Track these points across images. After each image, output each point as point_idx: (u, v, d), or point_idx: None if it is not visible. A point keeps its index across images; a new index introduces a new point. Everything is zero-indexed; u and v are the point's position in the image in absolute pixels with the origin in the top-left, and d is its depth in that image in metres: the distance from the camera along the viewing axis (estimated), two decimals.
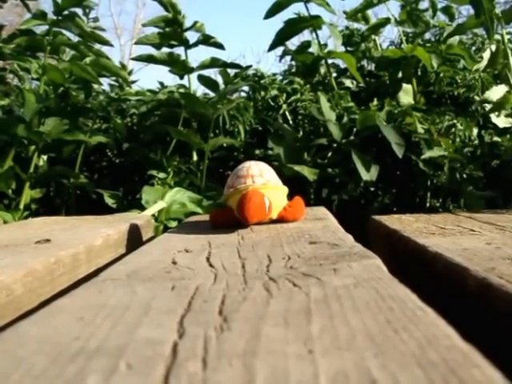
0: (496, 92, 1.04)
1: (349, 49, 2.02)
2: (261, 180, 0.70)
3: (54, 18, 1.55)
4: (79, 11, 1.79)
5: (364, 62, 2.11)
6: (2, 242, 0.65)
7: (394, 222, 0.78)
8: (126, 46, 10.97)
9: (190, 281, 0.41)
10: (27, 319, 0.33)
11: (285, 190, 0.75)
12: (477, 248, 0.53)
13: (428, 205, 1.53)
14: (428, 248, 0.55)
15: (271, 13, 1.74)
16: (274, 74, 2.16)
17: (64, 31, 1.61)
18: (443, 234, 0.63)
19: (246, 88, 1.92)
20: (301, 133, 1.67)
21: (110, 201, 1.46)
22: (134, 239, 0.81)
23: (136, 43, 1.79)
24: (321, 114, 1.46)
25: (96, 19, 1.91)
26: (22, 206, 1.44)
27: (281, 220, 0.72)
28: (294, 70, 2.09)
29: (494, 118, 1.08)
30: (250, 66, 2.05)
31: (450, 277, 0.48)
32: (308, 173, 1.34)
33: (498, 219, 0.74)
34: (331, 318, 0.30)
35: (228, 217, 0.72)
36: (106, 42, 1.84)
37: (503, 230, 0.64)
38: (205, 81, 1.47)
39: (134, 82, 2.47)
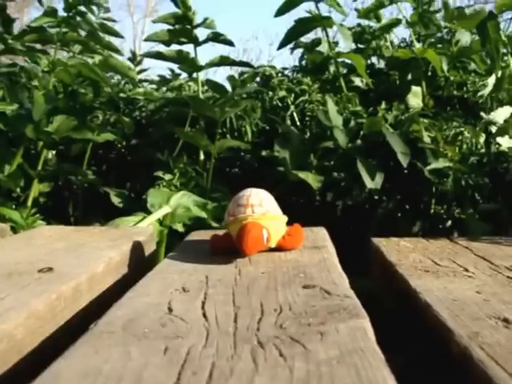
0: (501, 113, 1.03)
1: (360, 46, 2.01)
2: (260, 210, 0.72)
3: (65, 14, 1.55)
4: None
5: (374, 60, 2.09)
6: (5, 267, 0.67)
7: (392, 250, 0.79)
8: (138, 23, 10.89)
9: (182, 340, 0.43)
10: None
11: (284, 218, 0.76)
12: (466, 299, 0.54)
13: (432, 211, 1.53)
14: (419, 295, 0.56)
15: (281, 11, 1.72)
16: (284, 69, 2.16)
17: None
18: (437, 274, 0.64)
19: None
20: (308, 133, 1.67)
21: (116, 200, 1.48)
22: (137, 257, 0.83)
23: (145, 40, 1.79)
24: (327, 119, 1.46)
25: (107, 10, 1.91)
26: (29, 203, 1.46)
27: (279, 248, 0.74)
28: (304, 64, 2.08)
29: (498, 137, 1.07)
30: (259, 67, 2.05)
31: (437, 333, 0.49)
32: (312, 180, 1.34)
33: (494, 252, 0.75)
34: None
35: (227, 244, 0.73)
36: (116, 34, 1.84)
37: (497, 270, 0.65)
38: (212, 86, 1.47)
39: (144, 70, 2.46)
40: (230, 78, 1.42)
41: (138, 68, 2.37)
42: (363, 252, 1.15)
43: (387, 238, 0.89)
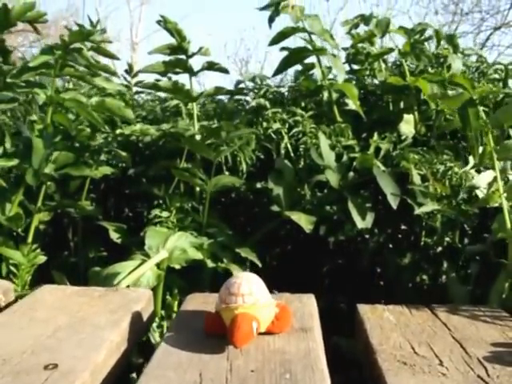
0: (483, 178, 1.07)
1: (353, 67, 2.04)
2: (250, 299, 0.76)
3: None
4: (85, 20, 1.84)
5: (368, 79, 2.12)
6: (13, 359, 0.71)
7: (375, 326, 0.84)
8: (135, 11, 10.76)
9: None
10: None
11: (273, 303, 0.81)
12: None
13: (422, 243, 1.58)
14: None
15: (275, 41, 1.74)
16: (279, 87, 2.18)
17: None
18: (413, 369, 0.69)
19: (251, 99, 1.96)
20: (302, 163, 1.71)
21: (114, 235, 1.52)
22: (136, 330, 0.88)
23: (141, 72, 1.82)
24: (320, 156, 1.50)
25: (103, 31, 1.93)
26: (30, 239, 1.50)
27: (269, 332, 0.79)
28: (298, 81, 2.10)
29: (480, 194, 1.11)
30: (254, 78, 2.10)
31: None
32: (305, 222, 1.39)
33: (471, 335, 0.80)
34: None
35: (220, 328, 0.78)
36: (112, 56, 1.86)
37: (470, 365, 0.70)
38: (206, 130, 1.50)
39: (140, 81, 2.47)
40: (225, 124, 1.45)
41: (134, 80, 2.38)
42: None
43: (373, 305, 0.93)
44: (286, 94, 2.13)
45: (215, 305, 0.82)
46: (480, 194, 1.08)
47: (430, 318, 0.88)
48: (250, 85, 2.15)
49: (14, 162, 1.29)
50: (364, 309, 0.92)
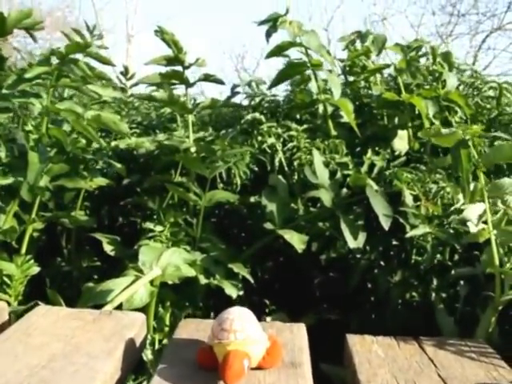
0: (474, 210, 1.08)
1: (349, 79, 2.05)
2: (242, 336, 0.78)
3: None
4: (83, 25, 1.85)
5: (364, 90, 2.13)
6: None
7: (363, 360, 0.86)
8: (130, 3, 10.69)
9: None
10: None
11: (265, 338, 0.82)
12: None
13: (412, 261, 1.60)
14: None
15: (272, 54, 1.75)
16: (274, 96, 2.19)
17: None
18: None
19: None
20: (296, 177, 1.72)
21: (108, 248, 1.52)
22: (129, 359, 0.90)
23: (138, 83, 1.82)
24: (314, 174, 1.51)
25: (100, 36, 1.93)
26: (24, 250, 1.50)
27: (260, 367, 0.80)
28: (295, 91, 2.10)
29: (471, 226, 1.12)
30: (250, 82, 2.11)
31: None
32: (297, 242, 1.40)
33: (457, 373, 0.82)
34: None
35: (212, 362, 0.80)
36: (108, 63, 1.86)
37: None
38: (202, 148, 1.51)
39: (135, 84, 2.46)
40: (220, 143, 1.47)
41: (129, 83, 2.38)
42: None
43: (361, 336, 0.95)
44: (282, 102, 2.14)
45: (208, 338, 0.83)
46: (471, 225, 1.09)
47: (418, 353, 0.89)
48: (247, 84, 2.16)
49: (9, 180, 1.29)
50: (353, 340, 0.93)
